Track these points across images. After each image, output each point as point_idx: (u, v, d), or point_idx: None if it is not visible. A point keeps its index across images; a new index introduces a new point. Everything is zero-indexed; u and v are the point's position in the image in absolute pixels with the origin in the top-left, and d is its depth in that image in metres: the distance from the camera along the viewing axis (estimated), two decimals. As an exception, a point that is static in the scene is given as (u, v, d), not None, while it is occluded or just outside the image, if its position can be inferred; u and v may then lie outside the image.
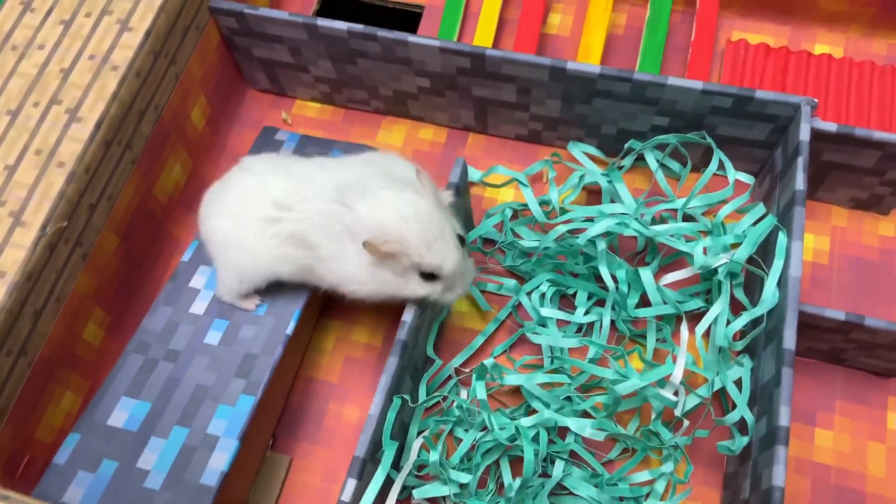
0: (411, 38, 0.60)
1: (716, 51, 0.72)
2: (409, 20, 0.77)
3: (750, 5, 0.72)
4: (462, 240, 0.50)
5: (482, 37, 0.71)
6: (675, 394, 0.51)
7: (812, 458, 0.56)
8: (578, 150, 0.66)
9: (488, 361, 0.55)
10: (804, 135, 0.55)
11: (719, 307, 0.55)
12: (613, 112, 0.62)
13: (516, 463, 0.55)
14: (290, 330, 0.53)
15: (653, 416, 0.53)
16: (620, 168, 0.64)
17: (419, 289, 0.49)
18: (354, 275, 0.49)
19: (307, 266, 0.51)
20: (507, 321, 0.61)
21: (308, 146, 0.65)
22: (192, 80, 0.64)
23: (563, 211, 0.63)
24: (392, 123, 0.71)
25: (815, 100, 0.56)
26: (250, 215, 0.52)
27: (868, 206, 0.63)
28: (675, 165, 0.64)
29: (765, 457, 0.47)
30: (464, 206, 0.59)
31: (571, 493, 0.53)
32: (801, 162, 0.54)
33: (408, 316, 0.51)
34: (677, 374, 0.50)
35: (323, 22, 0.61)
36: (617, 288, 0.57)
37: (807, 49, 0.71)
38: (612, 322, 0.59)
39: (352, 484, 0.46)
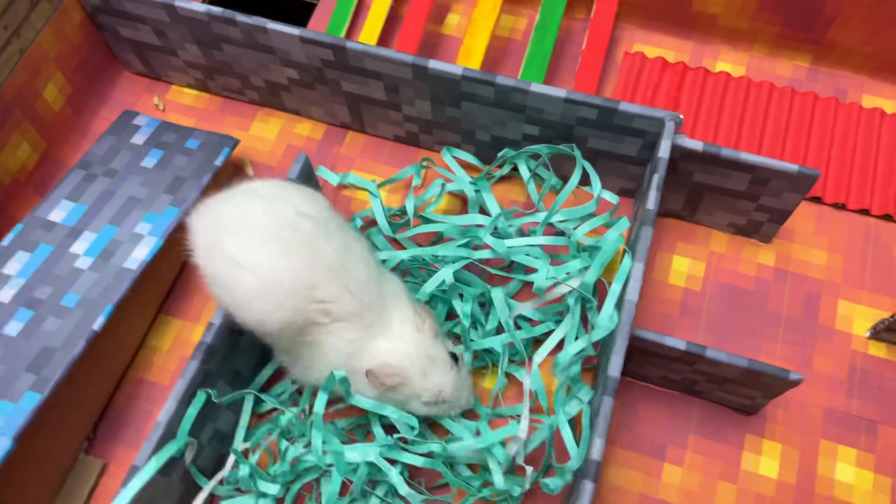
0: (270, 24, 0.57)
1: (614, 63, 0.69)
2: (305, 13, 0.74)
3: (651, 18, 0.69)
4: (455, 358, 0.49)
5: (369, 32, 0.67)
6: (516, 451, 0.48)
7: (657, 494, 0.52)
8: (450, 156, 0.62)
9: (338, 373, 0.50)
10: (663, 151, 0.51)
11: (560, 334, 0.51)
12: (484, 117, 0.58)
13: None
14: (97, 326, 0.49)
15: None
16: (490, 177, 0.61)
17: (422, 409, 0.49)
18: (361, 389, 0.48)
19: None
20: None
21: (166, 133, 0.62)
22: (43, 56, 0.60)
23: (426, 220, 0.59)
24: (268, 115, 0.68)
25: (681, 115, 0.53)
26: None
27: (748, 233, 0.60)
28: (555, 178, 0.61)
29: (576, 493, 0.43)
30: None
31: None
32: (655, 179, 0.50)
33: (216, 318, 0.47)
34: (522, 431, 0.47)
35: (181, 3, 0.58)
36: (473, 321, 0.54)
37: (707, 66, 0.68)
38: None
39: (128, 491, 0.42)
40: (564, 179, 0.62)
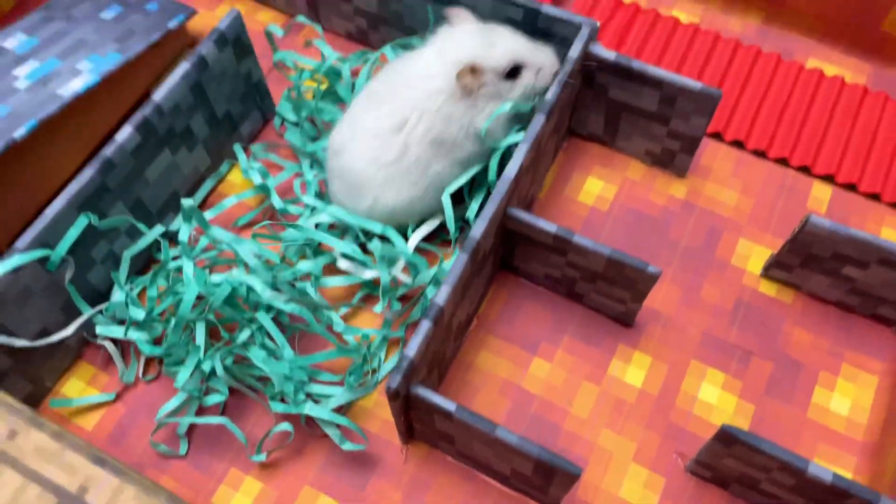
0: None
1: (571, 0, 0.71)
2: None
3: (614, -41, 0.71)
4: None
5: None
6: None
7: (521, 383, 0.54)
8: (392, 53, 0.65)
9: (187, 201, 0.52)
10: (573, 51, 0.53)
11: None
12: (423, 13, 0.61)
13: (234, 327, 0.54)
14: (17, 135, 0.52)
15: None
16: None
17: (515, 91, 0.53)
18: (477, 124, 0.53)
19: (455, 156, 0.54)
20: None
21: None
22: None
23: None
24: (234, 1, 0.71)
25: (597, 23, 0.54)
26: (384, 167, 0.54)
27: (664, 164, 0.61)
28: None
29: (417, 330, 0.45)
30: (241, 67, 0.58)
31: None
32: (560, 76, 0.52)
33: (122, 136, 0.50)
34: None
35: None
36: None
37: (661, 12, 0.70)
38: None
39: (-2, 269, 0.45)
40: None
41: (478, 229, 0.47)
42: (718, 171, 0.62)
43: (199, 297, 0.53)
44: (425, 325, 0.44)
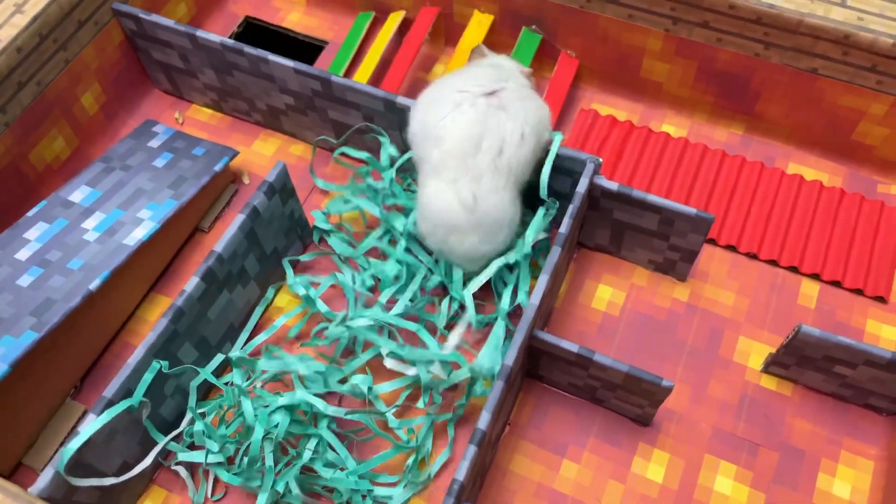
0: (271, 56, 0.68)
1: (570, 117, 0.79)
2: (315, 52, 0.86)
3: (607, 81, 0.79)
4: None
5: (362, 73, 0.79)
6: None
7: (553, 485, 0.60)
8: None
9: (234, 353, 0.59)
10: (581, 187, 0.60)
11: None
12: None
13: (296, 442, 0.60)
14: (93, 286, 0.59)
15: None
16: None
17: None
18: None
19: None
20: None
21: (178, 140, 0.73)
22: (85, 67, 0.72)
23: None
24: (269, 136, 0.79)
25: (600, 158, 0.62)
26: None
27: (666, 270, 0.68)
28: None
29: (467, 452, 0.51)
30: (286, 209, 0.66)
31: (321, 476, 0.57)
32: (570, 209, 0.59)
33: (189, 286, 0.57)
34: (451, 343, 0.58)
35: (201, 33, 0.70)
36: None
37: (652, 127, 0.78)
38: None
39: (90, 418, 0.51)
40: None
41: (510, 358, 0.53)
42: (715, 274, 0.69)
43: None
44: (471, 451, 0.50)
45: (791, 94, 0.71)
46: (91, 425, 0.51)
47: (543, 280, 0.56)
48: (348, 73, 0.81)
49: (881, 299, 0.67)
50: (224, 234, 0.59)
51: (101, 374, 0.65)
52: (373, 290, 0.68)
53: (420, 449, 0.58)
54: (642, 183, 0.73)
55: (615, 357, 0.64)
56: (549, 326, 0.66)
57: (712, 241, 0.71)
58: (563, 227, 0.59)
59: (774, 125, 0.75)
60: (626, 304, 0.68)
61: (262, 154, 0.78)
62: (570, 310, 0.68)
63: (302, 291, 0.64)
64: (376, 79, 0.80)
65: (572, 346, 0.56)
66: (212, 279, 0.58)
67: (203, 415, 0.59)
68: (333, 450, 0.58)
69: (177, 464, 0.59)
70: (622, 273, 0.69)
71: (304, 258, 0.69)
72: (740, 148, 0.76)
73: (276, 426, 0.55)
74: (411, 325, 0.59)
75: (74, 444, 0.50)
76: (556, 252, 0.58)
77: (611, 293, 0.68)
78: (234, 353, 0.56)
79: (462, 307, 0.65)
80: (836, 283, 0.68)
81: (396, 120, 0.68)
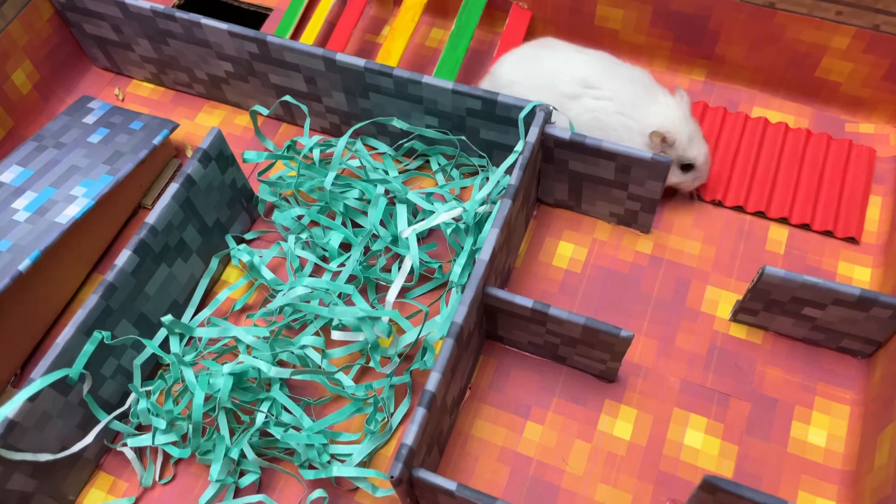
0: (204, 20, 0.65)
1: (526, 71, 0.76)
2: (260, 20, 0.83)
3: (562, 34, 0.76)
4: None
5: (308, 37, 0.75)
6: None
7: (517, 448, 0.57)
8: (362, 145, 0.69)
9: (166, 318, 0.56)
10: (531, 136, 0.58)
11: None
12: (391, 108, 0.65)
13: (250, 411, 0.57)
14: (22, 267, 0.56)
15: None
16: (405, 169, 0.68)
17: (673, 177, 0.64)
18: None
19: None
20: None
21: (114, 115, 0.69)
22: (12, 44, 0.69)
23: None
24: (213, 108, 0.76)
25: (551, 106, 0.59)
26: (555, 90, 0.64)
27: (628, 223, 0.66)
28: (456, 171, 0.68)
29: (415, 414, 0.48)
30: (226, 178, 0.62)
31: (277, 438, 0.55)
32: (520, 160, 0.57)
33: (121, 261, 0.54)
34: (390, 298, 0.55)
35: (131, 0, 0.66)
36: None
37: (612, 77, 0.75)
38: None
39: (19, 396, 0.48)
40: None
41: (459, 315, 0.50)
42: (680, 224, 0.66)
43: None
44: (420, 413, 0.47)
45: (750, 33, 0.68)
46: (21, 393, 0.48)
47: (493, 234, 0.53)
48: (294, 39, 0.78)
49: (852, 240, 0.64)
50: (157, 205, 0.56)
51: (41, 358, 0.62)
52: (325, 259, 0.65)
53: (378, 403, 0.55)
54: (601, 134, 0.70)
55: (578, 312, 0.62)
56: (508, 286, 0.64)
57: (676, 191, 0.68)
58: (513, 179, 0.56)
59: (736, 68, 0.72)
60: (588, 260, 0.65)
61: (207, 127, 0.75)
62: (531, 268, 0.65)
63: (246, 258, 0.61)
64: (321, 43, 0.77)
65: (527, 302, 0.53)
66: (146, 252, 0.55)
67: (148, 394, 0.56)
68: (289, 411, 0.56)
69: (122, 446, 0.56)
70: (584, 228, 0.67)
71: (248, 236, 0.66)
72: (703, 94, 0.73)
73: (219, 391, 0.52)
74: (347, 288, 0.56)
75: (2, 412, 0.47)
76: (505, 204, 0.55)
77: (573, 250, 0.66)
78: (166, 318, 0.53)
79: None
80: (806, 227, 0.65)
81: (339, 79, 0.64)
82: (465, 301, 0.51)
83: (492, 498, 0.46)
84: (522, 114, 0.58)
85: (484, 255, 0.53)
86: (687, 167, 0.63)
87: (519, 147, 0.58)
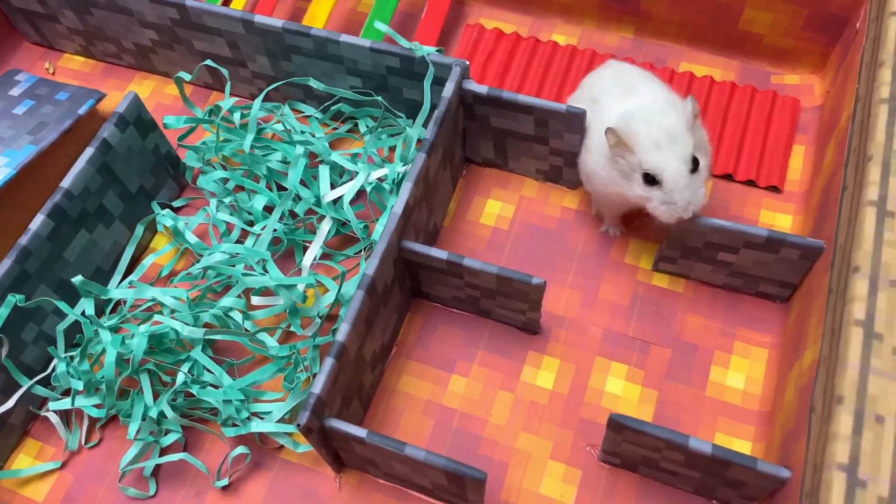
0: (122, -14, 0.65)
1: (457, 34, 0.76)
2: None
3: (487, -7, 0.76)
4: (695, 162, 0.51)
5: (237, 3, 0.75)
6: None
7: (441, 401, 0.58)
8: (289, 109, 0.69)
9: (76, 279, 0.55)
10: (447, 91, 0.58)
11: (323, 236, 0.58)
12: (314, 70, 0.65)
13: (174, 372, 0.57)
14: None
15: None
16: (333, 129, 0.68)
17: (638, 189, 0.52)
18: (595, 167, 0.56)
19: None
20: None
21: (41, 87, 0.69)
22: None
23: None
24: (143, 78, 0.76)
25: (467, 62, 0.59)
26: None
27: (555, 179, 0.66)
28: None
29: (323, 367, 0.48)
30: (147, 143, 0.62)
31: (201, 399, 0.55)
32: (436, 114, 0.57)
33: (35, 224, 0.54)
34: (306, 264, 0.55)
35: (49, -32, 0.66)
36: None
37: (542, 38, 0.75)
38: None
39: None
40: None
41: (370, 266, 0.51)
42: (606, 178, 0.67)
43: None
44: (329, 363, 0.48)
45: (672, -13, 0.68)
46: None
47: (406, 188, 0.54)
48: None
49: (775, 189, 0.65)
50: (72, 169, 0.56)
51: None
52: (252, 223, 0.65)
53: (299, 362, 0.56)
54: (530, 92, 0.70)
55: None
56: (437, 245, 0.64)
57: (603, 146, 0.68)
58: (428, 133, 0.56)
59: (663, 24, 0.72)
60: (516, 217, 0.66)
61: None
62: (459, 227, 0.65)
63: (170, 223, 0.61)
64: (250, 9, 0.77)
65: (441, 254, 0.54)
66: (62, 217, 0.55)
67: (72, 358, 0.56)
68: (210, 372, 0.56)
69: (46, 411, 0.57)
70: (512, 186, 0.67)
71: (177, 203, 0.66)
72: (631, 51, 0.74)
73: (131, 352, 0.53)
74: (263, 254, 0.56)
75: None
76: (420, 158, 0.55)
77: (500, 207, 0.66)
78: (76, 279, 0.53)
79: (343, 225, 0.62)
80: (729, 177, 0.66)
81: (261, 42, 0.64)
82: (376, 253, 0.51)
83: (401, 443, 0.47)
84: (428, 78, 0.59)
85: (396, 209, 0.53)
86: (650, 180, 0.51)
87: (426, 105, 0.58)
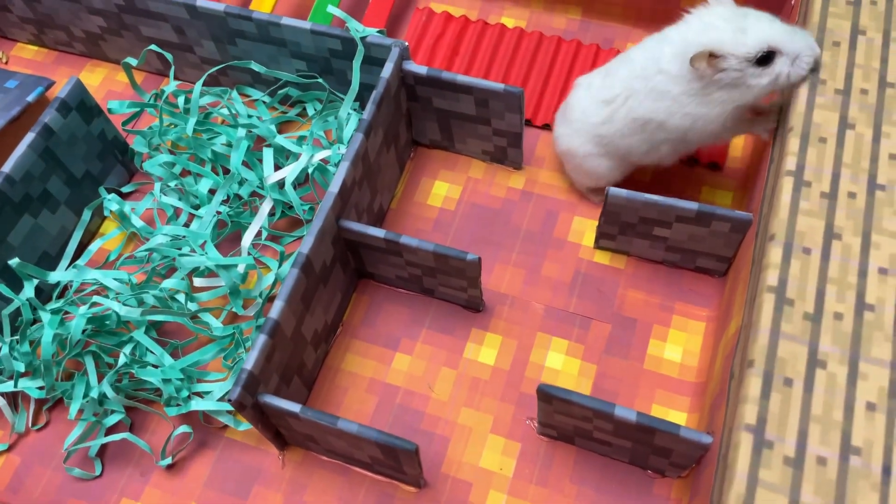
0: (65, -28, 0.65)
1: (406, 18, 0.76)
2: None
3: (440, -23, 0.76)
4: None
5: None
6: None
7: (385, 379, 0.59)
8: (236, 94, 0.70)
9: (13, 262, 0.56)
10: (385, 72, 0.58)
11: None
12: (259, 54, 0.66)
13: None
14: None
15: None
16: (271, 107, 0.69)
17: (763, 79, 0.49)
18: (701, 113, 0.51)
19: (660, 138, 0.55)
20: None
21: (-11, 75, 0.69)
22: None
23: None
24: (95, 66, 0.76)
25: (406, 42, 0.60)
26: (588, 124, 0.57)
27: (501, 160, 0.67)
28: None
29: (254, 344, 0.49)
30: (92, 129, 0.63)
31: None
32: (374, 94, 0.57)
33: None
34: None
35: (-7, -44, 0.66)
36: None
37: (492, 21, 0.76)
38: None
39: None
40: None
41: (305, 245, 0.51)
42: (552, 158, 0.68)
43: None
44: (261, 339, 0.48)
45: (614, -32, 0.69)
46: None
47: (343, 167, 0.54)
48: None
49: (715, 166, 0.66)
50: (12, 154, 0.56)
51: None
52: (198, 207, 0.66)
53: (240, 343, 0.56)
54: (478, 75, 0.71)
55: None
56: (383, 227, 0.65)
57: (548, 128, 0.69)
58: (366, 114, 0.57)
59: (609, 5, 0.73)
60: (462, 198, 0.66)
61: (90, 86, 0.75)
62: (407, 209, 0.66)
63: (116, 207, 0.62)
64: None
65: (379, 232, 0.54)
66: (3, 201, 0.56)
67: (18, 341, 0.57)
68: (152, 352, 0.57)
69: (-9, 395, 0.57)
70: (459, 168, 0.68)
71: (126, 189, 0.67)
72: (579, 33, 0.74)
73: (69, 333, 0.53)
74: (203, 236, 0.57)
75: None
76: (357, 138, 0.56)
77: (447, 189, 0.67)
78: (13, 262, 0.54)
79: (290, 208, 0.63)
80: (671, 155, 0.67)
81: (206, 27, 0.65)
82: (311, 232, 0.52)
83: (334, 417, 0.47)
84: (357, 58, 0.60)
85: (332, 188, 0.54)
86: (765, 59, 0.48)
87: (354, 84, 0.59)
